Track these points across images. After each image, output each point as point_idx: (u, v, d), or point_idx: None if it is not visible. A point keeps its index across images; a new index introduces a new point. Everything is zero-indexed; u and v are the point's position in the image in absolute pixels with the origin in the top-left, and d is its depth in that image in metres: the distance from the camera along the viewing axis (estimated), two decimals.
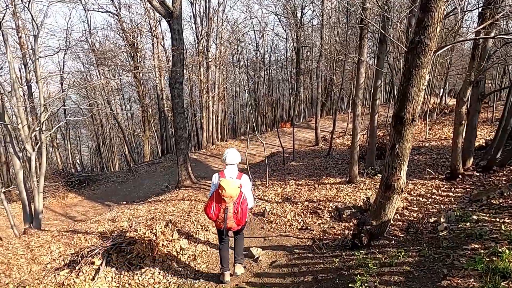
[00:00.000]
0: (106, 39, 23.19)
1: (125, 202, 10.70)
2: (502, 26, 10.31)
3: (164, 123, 20.79)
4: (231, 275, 3.80)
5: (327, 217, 5.71)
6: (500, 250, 2.60)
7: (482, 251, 2.73)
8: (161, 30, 22.52)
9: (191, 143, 25.21)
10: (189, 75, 22.04)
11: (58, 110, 18.64)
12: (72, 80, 20.79)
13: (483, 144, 8.28)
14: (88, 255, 4.48)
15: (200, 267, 4.33)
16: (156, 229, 4.98)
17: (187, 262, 4.42)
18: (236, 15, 69.76)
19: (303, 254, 4.09)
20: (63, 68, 22.63)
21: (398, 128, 3.29)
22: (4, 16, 8.23)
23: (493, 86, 18.95)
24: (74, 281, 4.04)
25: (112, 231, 5.92)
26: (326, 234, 4.92)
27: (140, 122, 28.54)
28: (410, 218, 4.59)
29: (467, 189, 5.43)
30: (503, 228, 3.13)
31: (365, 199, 5.78)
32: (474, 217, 3.67)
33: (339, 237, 4.62)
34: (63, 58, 21.95)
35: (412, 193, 5.83)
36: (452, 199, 5.14)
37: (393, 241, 3.60)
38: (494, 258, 2.50)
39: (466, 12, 7.08)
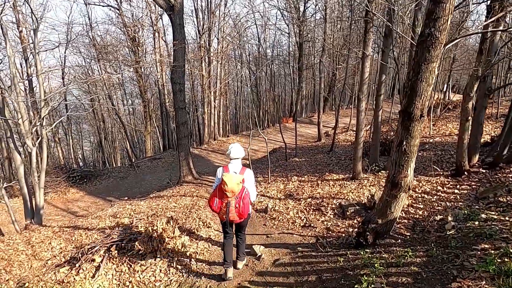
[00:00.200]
0: (107, 33, 23.02)
1: (126, 198, 10.67)
2: (507, 20, 10.11)
3: (165, 118, 20.70)
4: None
5: (330, 214, 5.63)
6: (511, 250, 2.51)
7: (492, 251, 2.65)
8: (163, 25, 22.36)
9: (193, 138, 25.14)
10: (190, 70, 21.88)
11: (59, 105, 18.55)
12: (74, 75, 20.70)
13: (488, 140, 8.15)
14: (89, 252, 4.44)
15: (202, 264, 4.26)
16: (157, 226, 4.92)
17: (188, 260, 4.36)
18: (238, 9, 69.23)
19: (306, 253, 4.02)
20: (65, 63, 22.51)
21: (405, 124, 3.19)
22: (3, 9, 8.12)
23: (497, 81, 18.71)
24: (74, 279, 3.99)
25: (113, 227, 5.88)
26: (330, 232, 4.84)
27: (141, 117, 28.46)
28: (415, 216, 4.50)
29: (473, 186, 5.33)
30: None
31: (369, 196, 5.69)
32: (483, 215, 3.58)
33: (343, 235, 4.54)
34: (64, 52, 21.83)
35: (417, 190, 5.73)
36: (458, 196, 5.05)
37: (399, 240, 3.52)
38: (506, 259, 2.42)
39: (474, 5, 6.90)
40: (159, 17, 19.39)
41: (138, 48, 19.43)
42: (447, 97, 19.92)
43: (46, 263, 5.22)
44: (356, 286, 2.65)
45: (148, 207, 7.27)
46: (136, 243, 4.45)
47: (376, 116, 7.90)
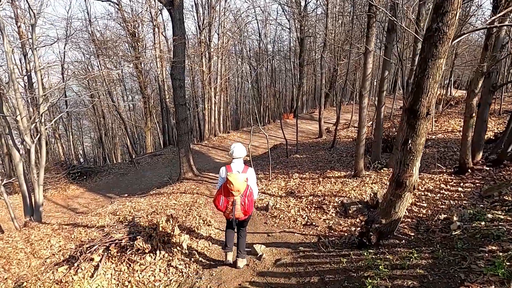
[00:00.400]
0: (106, 28, 22.84)
1: (126, 195, 10.62)
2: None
3: (166, 115, 20.61)
4: (233, 265, 3.95)
5: (332, 212, 5.56)
6: None
7: (500, 253, 2.57)
8: (163, 20, 22.21)
9: (193, 134, 25.06)
10: (191, 65, 21.73)
11: (58, 101, 18.44)
12: (73, 71, 20.57)
13: (492, 137, 8.05)
14: (87, 251, 4.38)
15: (202, 264, 4.20)
16: (157, 225, 4.87)
17: (188, 259, 4.30)
18: (238, 4, 68.62)
19: (308, 252, 3.94)
20: (64, 59, 22.38)
21: (411, 122, 3.10)
22: (1, 4, 8.01)
23: (498, 78, 18.53)
24: (72, 278, 3.92)
25: (113, 225, 5.81)
26: (332, 231, 4.77)
27: (142, 113, 28.37)
28: (419, 215, 4.42)
29: (477, 184, 5.24)
30: None
31: (372, 194, 5.62)
32: (489, 215, 3.49)
33: (346, 234, 4.47)
34: (64, 48, 21.71)
35: (420, 187, 5.65)
36: (462, 194, 4.96)
37: (404, 241, 3.44)
38: None
39: None
40: (159, 12, 19.21)
41: (138, 43, 19.26)
42: (449, 93, 19.78)
43: (45, 261, 5.17)
44: None
45: (148, 204, 7.22)
46: (136, 242, 4.38)
47: (378, 113, 7.80)
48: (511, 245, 2.66)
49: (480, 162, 6.22)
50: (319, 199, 6.26)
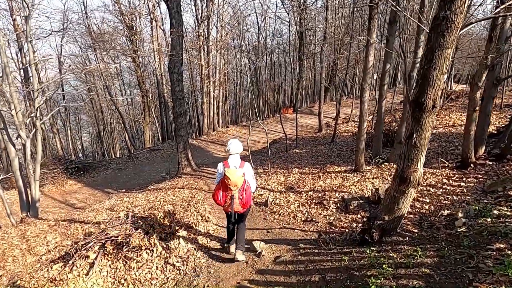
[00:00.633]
0: (103, 22, 22.51)
1: (124, 190, 10.52)
2: None
3: (164, 109, 20.41)
4: (233, 260, 3.96)
5: (333, 208, 5.46)
6: None
7: (509, 252, 2.47)
8: (160, 13, 21.88)
9: (192, 129, 24.92)
10: (189, 59, 21.50)
11: (53, 95, 18.21)
12: (70, 65, 20.32)
13: (494, 131, 7.94)
14: (83, 248, 4.27)
15: (200, 261, 4.11)
16: (154, 221, 4.77)
17: (186, 256, 4.21)
18: None
19: (309, 249, 3.85)
20: (61, 52, 22.06)
21: (416, 116, 2.97)
22: None
23: (501, 71, 18.38)
24: (67, 276, 3.82)
25: (109, 221, 5.71)
26: (333, 227, 4.67)
27: (140, 108, 28.16)
28: (422, 211, 4.32)
29: (480, 179, 5.14)
30: None
31: (373, 189, 5.51)
32: (495, 211, 3.39)
33: (347, 230, 4.37)
34: (61, 41, 21.38)
35: (422, 183, 5.55)
36: (465, 189, 4.86)
37: (407, 238, 3.34)
38: None
39: None
40: (157, 5, 18.91)
41: (136, 37, 19.01)
42: (449, 87, 19.65)
43: (41, 258, 5.08)
44: None
45: (146, 200, 7.11)
46: (132, 238, 4.29)
47: (379, 107, 7.67)
48: None
49: (483, 156, 6.11)
50: (319, 195, 6.16)
